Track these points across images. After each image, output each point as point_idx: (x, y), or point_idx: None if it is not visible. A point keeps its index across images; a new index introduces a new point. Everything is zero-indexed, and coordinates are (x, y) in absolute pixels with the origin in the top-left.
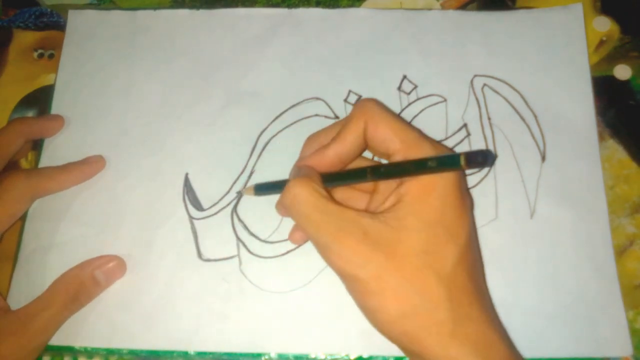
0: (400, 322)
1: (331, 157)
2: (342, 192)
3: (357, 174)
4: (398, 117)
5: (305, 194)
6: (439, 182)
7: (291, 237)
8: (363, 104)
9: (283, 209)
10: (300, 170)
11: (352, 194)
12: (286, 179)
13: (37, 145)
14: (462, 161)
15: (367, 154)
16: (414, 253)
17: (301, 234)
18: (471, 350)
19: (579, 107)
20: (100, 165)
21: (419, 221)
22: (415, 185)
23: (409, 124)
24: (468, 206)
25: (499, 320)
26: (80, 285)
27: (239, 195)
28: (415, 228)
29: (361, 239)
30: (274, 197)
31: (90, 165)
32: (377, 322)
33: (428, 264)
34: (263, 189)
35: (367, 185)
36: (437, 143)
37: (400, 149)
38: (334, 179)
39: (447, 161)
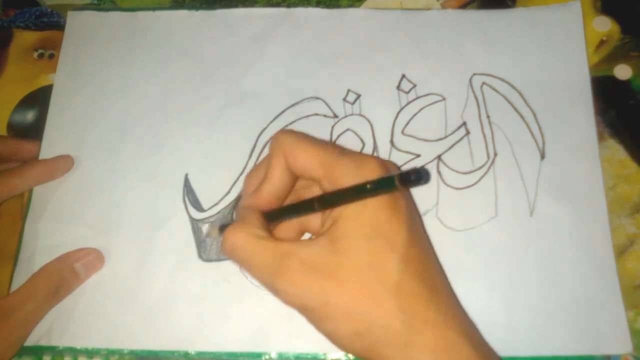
0: (358, 341)
1: (266, 197)
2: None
3: (302, 207)
4: (315, 140)
5: (240, 241)
6: (368, 202)
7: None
8: (278, 138)
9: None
10: (239, 213)
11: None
12: (228, 221)
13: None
14: (397, 182)
15: None
16: (356, 271)
17: None
18: (430, 356)
19: (578, 104)
20: (69, 162)
21: (355, 239)
22: (347, 206)
23: (327, 144)
24: (402, 210)
25: (464, 320)
26: (61, 278)
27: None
28: (353, 246)
29: (298, 269)
30: None
31: (57, 161)
32: (337, 344)
33: (373, 278)
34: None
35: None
36: (358, 154)
37: (323, 173)
38: (280, 214)
39: (382, 184)
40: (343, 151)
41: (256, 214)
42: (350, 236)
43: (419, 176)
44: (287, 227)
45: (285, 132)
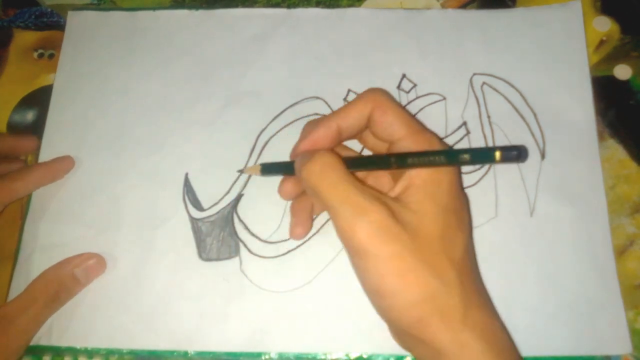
0: (418, 306)
1: (331, 129)
2: None
3: (380, 160)
4: (405, 108)
5: (334, 163)
6: (445, 175)
7: (293, 233)
8: (373, 90)
9: (290, 187)
10: (309, 148)
11: None
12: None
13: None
14: (498, 156)
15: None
16: (432, 237)
17: (303, 228)
18: (480, 336)
19: (578, 104)
20: (69, 164)
21: (435, 206)
22: (424, 172)
23: (412, 115)
24: (465, 194)
25: (494, 308)
26: (61, 284)
27: (241, 173)
28: (433, 212)
29: (389, 215)
30: (275, 198)
31: (58, 163)
32: (391, 307)
33: (443, 249)
34: (270, 169)
35: (359, 175)
36: (435, 135)
37: (406, 134)
38: (355, 164)
39: (481, 155)
40: (425, 126)
41: (337, 155)
42: (433, 202)
43: (519, 154)
44: None
45: (381, 89)
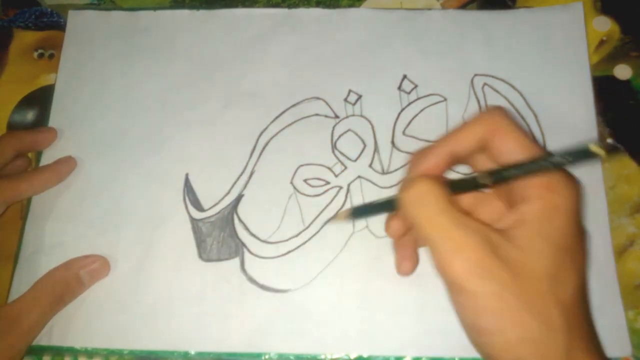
0: (517, 347)
1: (443, 158)
2: None
3: (474, 181)
4: (526, 132)
5: (434, 192)
6: (562, 203)
7: (400, 269)
8: (491, 112)
9: (398, 225)
10: (415, 173)
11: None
12: (388, 197)
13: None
14: (602, 150)
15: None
16: (538, 277)
17: (411, 263)
18: None
19: (579, 106)
20: (72, 165)
21: (545, 244)
22: (538, 204)
23: (535, 142)
24: (584, 228)
25: (603, 354)
26: (65, 286)
27: (329, 222)
28: (542, 250)
29: (489, 251)
30: (275, 198)
31: (62, 165)
32: (488, 345)
33: (551, 289)
34: (361, 211)
35: (468, 201)
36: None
37: None
38: (458, 186)
39: (582, 154)
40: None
41: (441, 179)
42: (543, 239)
43: (615, 146)
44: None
45: (501, 108)
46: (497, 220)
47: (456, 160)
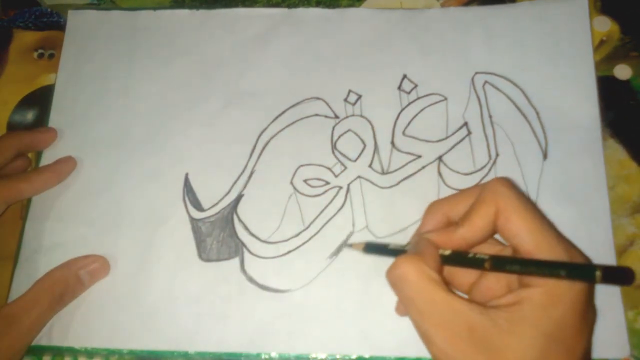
0: None
1: (457, 240)
2: None
3: (476, 261)
4: (532, 207)
5: (413, 277)
6: (567, 294)
7: (397, 310)
8: (495, 188)
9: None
10: (418, 244)
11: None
12: (400, 245)
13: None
14: (599, 277)
15: None
16: None
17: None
18: None
19: (582, 103)
20: (72, 165)
21: (534, 331)
22: (540, 292)
23: (543, 219)
24: (590, 322)
25: None
26: (65, 285)
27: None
28: (529, 336)
29: (465, 336)
30: (275, 198)
31: (62, 165)
32: None
33: None
34: (373, 249)
35: (472, 272)
36: (571, 246)
37: (532, 252)
38: (452, 259)
39: (580, 272)
40: (558, 234)
41: (435, 252)
42: (533, 326)
43: (625, 276)
44: (461, 274)
45: (505, 182)
46: (495, 298)
47: (472, 245)
